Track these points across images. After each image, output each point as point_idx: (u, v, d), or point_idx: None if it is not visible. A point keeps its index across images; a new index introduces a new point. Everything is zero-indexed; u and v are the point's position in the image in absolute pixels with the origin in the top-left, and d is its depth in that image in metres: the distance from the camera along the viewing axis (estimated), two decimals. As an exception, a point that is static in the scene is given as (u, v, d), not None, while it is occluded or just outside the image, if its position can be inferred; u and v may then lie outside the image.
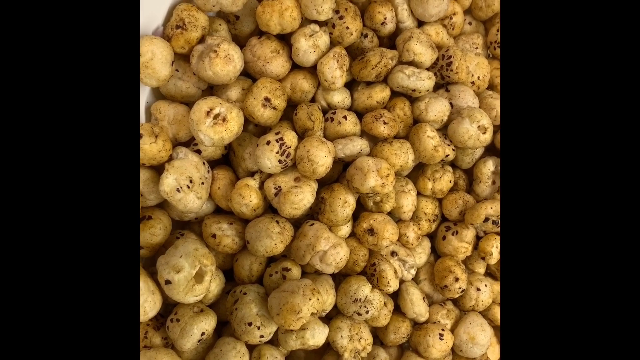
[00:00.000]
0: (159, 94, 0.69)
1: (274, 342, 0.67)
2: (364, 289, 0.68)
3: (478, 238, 0.78)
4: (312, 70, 0.71)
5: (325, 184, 0.71)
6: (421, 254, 0.77)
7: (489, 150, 0.81)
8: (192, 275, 0.61)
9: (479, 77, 0.79)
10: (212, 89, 0.71)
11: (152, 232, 0.65)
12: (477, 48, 0.82)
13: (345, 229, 0.71)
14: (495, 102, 0.78)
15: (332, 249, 0.65)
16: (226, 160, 0.73)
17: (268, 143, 0.64)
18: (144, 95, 0.69)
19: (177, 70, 0.67)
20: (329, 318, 0.71)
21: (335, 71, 0.68)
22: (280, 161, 0.65)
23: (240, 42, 0.71)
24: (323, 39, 0.69)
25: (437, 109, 0.74)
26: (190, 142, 0.68)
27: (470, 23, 0.85)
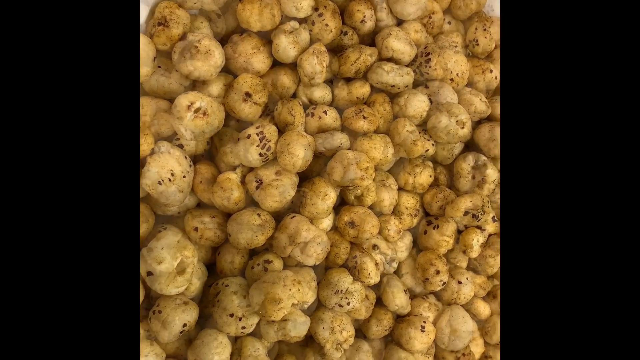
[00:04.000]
0: (141, 90, 0.71)
1: (257, 334, 0.68)
2: (345, 281, 0.69)
3: (459, 232, 0.79)
4: (293, 67, 0.72)
5: (307, 178, 0.72)
6: (403, 248, 0.78)
7: (469, 147, 0.82)
8: (173, 266, 0.62)
9: (457, 74, 0.80)
10: (196, 86, 0.72)
11: (135, 226, 0.66)
12: (456, 46, 0.84)
13: (327, 222, 0.72)
14: (474, 98, 0.80)
15: (313, 241, 0.66)
16: (209, 157, 0.74)
17: (249, 137, 0.65)
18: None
19: (159, 67, 0.68)
20: (312, 310, 0.72)
21: (315, 67, 0.69)
22: (261, 154, 0.66)
23: (223, 39, 0.73)
24: (303, 36, 0.70)
25: (416, 104, 0.75)
26: (173, 137, 0.69)
27: (449, 22, 0.87)
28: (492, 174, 0.77)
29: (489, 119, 0.83)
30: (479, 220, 0.77)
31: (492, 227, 0.79)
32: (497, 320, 0.82)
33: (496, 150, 0.78)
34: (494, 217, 0.78)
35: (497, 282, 0.84)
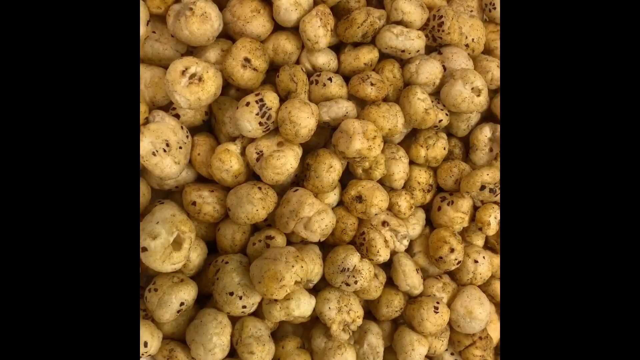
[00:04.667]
0: (135, 57, 0.67)
1: (259, 314, 0.64)
2: (352, 259, 0.65)
3: (475, 208, 0.75)
4: (295, 31, 0.68)
5: (311, 150, 0.68)
6: (415, 225, 0.74)
7: (486, 119, 0.77)
8: (169, 242, 0.58)
9: (473, 40, 0.75)
10: (192, 53, 0.68)
11: (130, 200, 0.62)
12: (471, 10, 0.79)
13: (332, 197, 0.68)
14: (490, 64, 0.74)
15: (317, 215, 0.62)
16: (208, 127, 0.70)
17: (248, 104, 0.61)
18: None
19: (153, 32, 0.65)
20: (317, 290, 0.68)
21: (318, 30, 0.65)
22: (261, 123, 0.62)
23: (222, 4, 0.68)
24: (305, -3, 0.66)
25: (429, 71, 0.70)
26: (169, 107, 0.66)
27: (464, -15, 0.81)
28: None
29: (486, 119, 0.77)
30: (496, 195, 0.72)
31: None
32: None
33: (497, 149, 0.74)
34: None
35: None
